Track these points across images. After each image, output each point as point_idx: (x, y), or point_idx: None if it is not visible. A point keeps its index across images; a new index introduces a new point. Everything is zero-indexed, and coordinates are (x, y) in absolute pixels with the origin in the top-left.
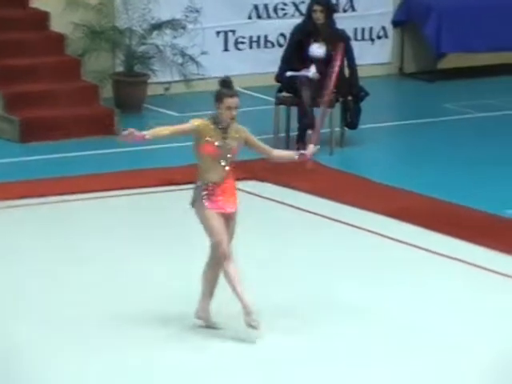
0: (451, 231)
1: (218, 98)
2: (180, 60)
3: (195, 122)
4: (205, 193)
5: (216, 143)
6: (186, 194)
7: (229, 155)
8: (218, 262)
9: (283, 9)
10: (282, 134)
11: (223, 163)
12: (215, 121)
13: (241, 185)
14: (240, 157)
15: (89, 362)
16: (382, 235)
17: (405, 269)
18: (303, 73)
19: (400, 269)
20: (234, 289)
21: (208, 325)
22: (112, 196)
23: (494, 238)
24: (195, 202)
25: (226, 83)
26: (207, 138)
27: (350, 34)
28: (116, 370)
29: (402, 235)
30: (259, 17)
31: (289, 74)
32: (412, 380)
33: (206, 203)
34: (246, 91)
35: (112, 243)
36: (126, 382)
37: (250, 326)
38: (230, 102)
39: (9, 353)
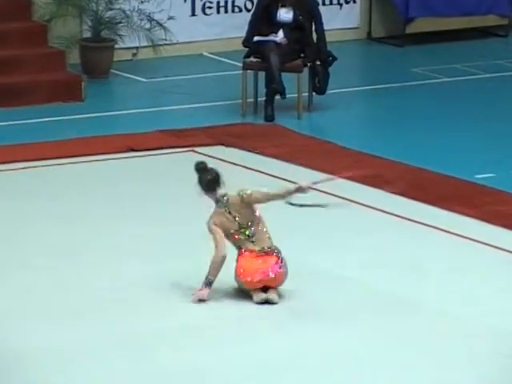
0: (419, 196)
1: (215, 180)
2: (147, 25)
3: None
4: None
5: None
6: (145, 160)
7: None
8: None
9: None
10: (250, 99)
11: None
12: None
13: (208, 150)
14: (206, 122)
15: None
16: (344, 198)
17: (370, 233)
18: (271, 38)
19: (367, 234)
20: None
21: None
22: (75, 162)
23: (460, 201)
24: None
25: (203, 167)
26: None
27: None
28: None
29: (368, 200)
30: None
31: (256, 38)
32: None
33: None
34: (213, 56)
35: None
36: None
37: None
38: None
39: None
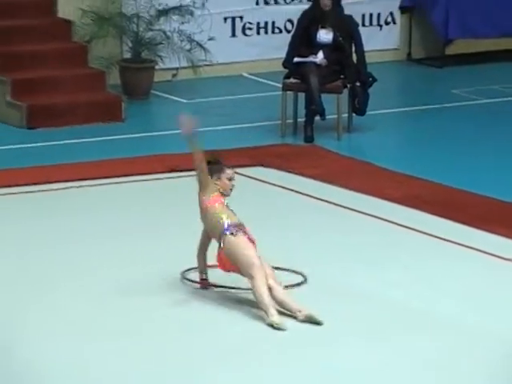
0: (458, 217)
1: (219, 169)
2: (187, 46)
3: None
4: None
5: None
6: (185, 181)
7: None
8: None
9: None
10: (290, 120)
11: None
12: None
13: (247, 171)
14: (245, 143)
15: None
16: (388, 221)
17: (411, 254)
18: (311, 59)
19: (406, 254)
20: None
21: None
22: (117, 182)
23: (502, 223)
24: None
25: (217, 160)
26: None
27: (358, 19)
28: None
29: (409, 221)
30: (266, 3)
31: (296, 60)
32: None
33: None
34: (253, 77)
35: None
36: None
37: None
38: (230, 172)
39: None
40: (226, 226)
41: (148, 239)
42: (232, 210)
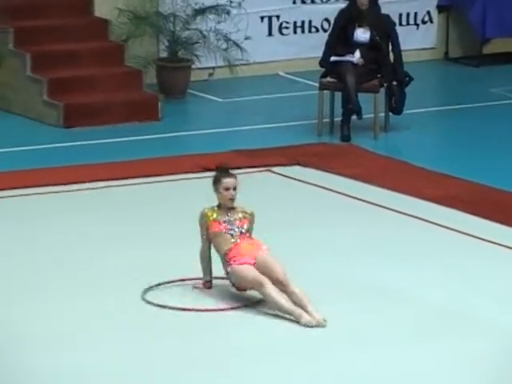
0: (496, 216)
1: (216, 180)
2: (224, 45)
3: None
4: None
5: (221, 219)
6: None
7: (236, 229)
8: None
9: None
10: (327, 119)
11: (232, 240)
12: (219, 206)
13: (283, 170)
14: (282, 142)
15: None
16: (425, 220)
17: (448, 253)
18: (347, 58)
19: (443, 253)
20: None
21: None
22: (151, 182)
23: None
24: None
25: (223, 169)
26: (213, 217)
27: (395, 19)
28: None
29: (446, 220)
30: (303, 2)
31: (333, 59)
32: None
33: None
34: (289, 76)
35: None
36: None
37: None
38: (227, 181)
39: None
40: (226, 258)
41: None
42: (232, 225)
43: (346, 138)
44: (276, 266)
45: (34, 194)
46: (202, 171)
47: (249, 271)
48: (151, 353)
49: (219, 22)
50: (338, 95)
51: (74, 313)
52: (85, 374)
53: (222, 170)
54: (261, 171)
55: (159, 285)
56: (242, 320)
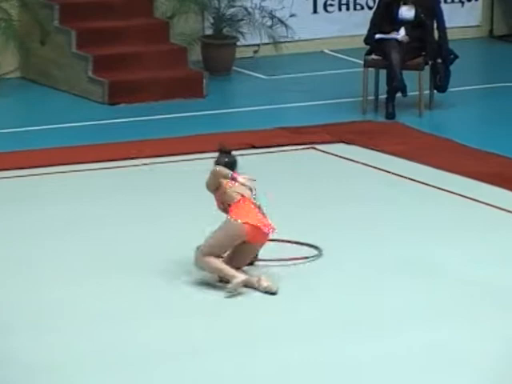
0: None
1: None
2: (269, 22)
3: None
4: None
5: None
6: (265, 157)
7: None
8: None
9: None
10: (371, 97)
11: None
12: None
13: (328, 147)
14: (327, 120)
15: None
16: (469, 198)
17: (493, 231)
18: (392, 35)
19: (488, 231)
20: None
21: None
22: (195, 159)
23: None
24: None
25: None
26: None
27: None
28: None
29: (490, 198)
30: None
31: (378, 36)
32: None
33: None
34: (334, 54)
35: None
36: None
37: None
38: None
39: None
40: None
41: None
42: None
43: (390, 115)
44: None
45: (81, 170)
46: (247, 148)
47: (232, 240)
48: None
49: None
50: (383, 73)
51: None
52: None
53: (225, 152)
54: (305, 149)
55: None
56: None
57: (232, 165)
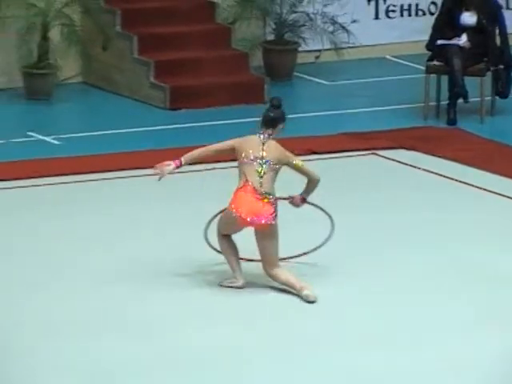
0: None
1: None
2: (330, 28)
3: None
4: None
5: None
6: (327, 163)
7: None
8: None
9: None
10: (433, 103)
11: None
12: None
13: (389, 153)
14: (388, 126)
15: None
16: None
17: None
18: (454, 41)
19: None
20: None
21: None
22: None
23: None
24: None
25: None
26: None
27: (502, 1)
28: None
29: None
30: None
31: (440, 42)
32: None
33: None
34: (395, 59)
35: None
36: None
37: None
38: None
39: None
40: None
41: None
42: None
43: (452, 121)
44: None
45: (141, 175)
46: (309, 154)
47: (229, 225)
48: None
49: (326, 5)
50: (445, 79)
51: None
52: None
53: (274, 106)
54: (366, 154)
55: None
56: None
57: (273, 120)
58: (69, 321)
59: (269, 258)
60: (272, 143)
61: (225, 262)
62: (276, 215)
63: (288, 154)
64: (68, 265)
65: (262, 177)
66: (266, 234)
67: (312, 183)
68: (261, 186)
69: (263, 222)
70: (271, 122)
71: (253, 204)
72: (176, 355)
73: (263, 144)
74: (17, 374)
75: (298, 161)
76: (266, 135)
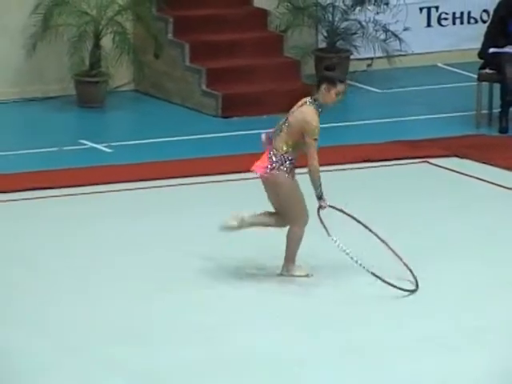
0: None
1: (333, 81)
2: (382, 36)
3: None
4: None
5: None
6: (380, 171)
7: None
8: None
9: None
10: (485, 111)
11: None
12: (318, 107)
13: (442, 161)
14: (440, 134)
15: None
16: None
17: None
18: (507, 49)
19: None
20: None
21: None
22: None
23: None
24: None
25: (331, 67)
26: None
27: None
28: None
29: None
30: None
31: (492, 50)
32: None
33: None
34: (448, 67)
35: None
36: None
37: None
38: (343, 88)
39: None
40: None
41: None
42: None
43: (504, 129)
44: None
45: (193, 183)
46: (362, 161)
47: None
48: None
49: (378, 13)
50: (497, 87)
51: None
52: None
53: (340, 74)
54: (419, 162)
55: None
56: None
57: (317, 80)
58: (123, 327)
59: (281, 214)
60: (303, 109)
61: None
62: (272, 169)
63: (309, 127)
64: (128, 275)
65: (278, 134)
66: (268, 188)
67: (309, 173)
68: (274, 141)
69: (256, 172)
70: (316, 82)
71: (262, 157)
72: (238, 358)
73: (300, 106)
74: (69, 373)
75: (310, 140)
76: (310, 98)
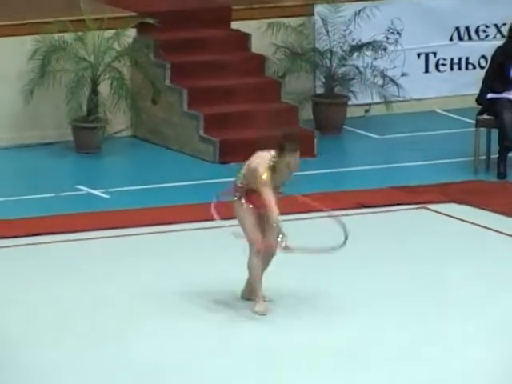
0: None
1: (285, 149)
2: (380, 81)
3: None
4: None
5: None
6: (377, 217)
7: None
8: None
9: (485, 31)
10: (483, 157)
11: None
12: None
13: (440, 207)
14: (438, 179)
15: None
16: None
17: None
18: (505, 95)
19: None
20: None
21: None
22: (305, 218)
23: None
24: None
25: (295, 141)
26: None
27: None
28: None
29: None
30: (461, 39)
31: (490, 96)
32: None
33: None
34: (446, 113)
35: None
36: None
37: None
38: (296, 161)
39: None
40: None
41: None
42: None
43: (502, 175)
44: None
45: (192, 229)
46: (359, 207)
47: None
48: None
49: (376, 59)
50: (495, 132)
51: None
52: None
53: (294, 142)
54: (417, 208)
55: None
56: None
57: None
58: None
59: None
60: (256, 160)
61: None
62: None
63: (258, 172)
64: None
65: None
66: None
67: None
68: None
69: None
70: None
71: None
72: None
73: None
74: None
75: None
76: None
